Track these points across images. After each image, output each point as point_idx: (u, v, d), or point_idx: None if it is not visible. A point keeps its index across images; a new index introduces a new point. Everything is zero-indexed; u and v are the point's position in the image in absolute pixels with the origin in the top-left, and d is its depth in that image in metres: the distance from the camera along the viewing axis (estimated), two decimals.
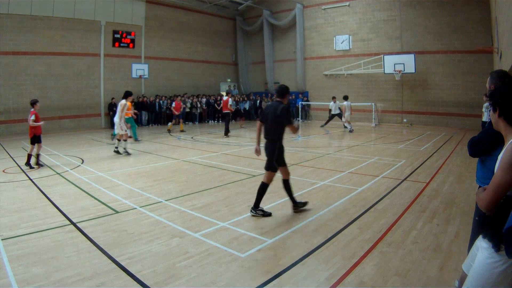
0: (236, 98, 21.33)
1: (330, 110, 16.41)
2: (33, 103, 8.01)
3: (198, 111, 20.15)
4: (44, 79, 15.48)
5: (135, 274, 3.11)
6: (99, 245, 3.72)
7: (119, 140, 9.85)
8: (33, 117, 7.84)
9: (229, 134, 13.74)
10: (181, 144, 11.94)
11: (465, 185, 6.16)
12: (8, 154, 9.89)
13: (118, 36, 18.06)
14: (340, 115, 15.62)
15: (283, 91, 4.69)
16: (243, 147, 11.05)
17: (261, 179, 4.81)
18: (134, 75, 18.01)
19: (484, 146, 2.35)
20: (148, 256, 3.48)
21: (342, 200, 5.35)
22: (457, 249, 3.55)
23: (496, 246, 1.73)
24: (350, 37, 19.21)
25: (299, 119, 20.30)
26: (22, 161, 8.70)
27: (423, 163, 8.13)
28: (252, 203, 4.75)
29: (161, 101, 18.99)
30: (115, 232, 4.11)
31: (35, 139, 7.95)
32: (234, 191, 5.93)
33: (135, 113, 12.07)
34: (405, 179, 6.64)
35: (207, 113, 20.91)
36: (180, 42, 21.13)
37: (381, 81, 18.23)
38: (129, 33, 18.48)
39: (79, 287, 2.92)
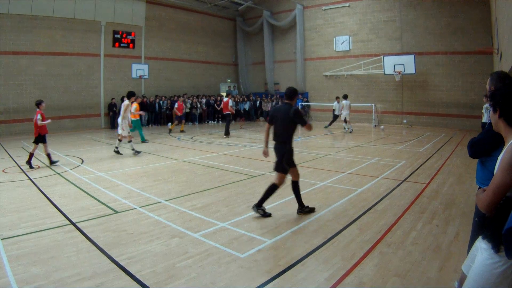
0: (236, 98, 21.33)
1: (333, 111, 16.35)
2: (38, 104, 8.09)
3: (198, 111, 20.15)
4: (44, 79, 15.47)
5: (134, 274, 3.11)
6: (99, 245, 3.72)
7: (120, 140, 9.84)
8: (39, 117, 7.91)
9: (229, 135, 13.76)
10: (181, 144, 11.95)
11: (464, 186, 6.16)
12: (8, 154, 9.88)
13: (118, 36, 18.05)
14: (336, 116, 15.63)
15: (292, 93, 4.73)
16: (243, 147, 11.06)
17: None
18: (134, 76, 18.01)
19: (484, 147, 2.35)
20: (147, 256, 3.48)
21: (342, 200, 5.35)
22: (456, 250, 3.55)
23: (496, 247, 1.73)
24: (350, 38, 19.23)
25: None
26: (22, 161, 8.70)
27: (423, 164, 8.14)
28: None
29: (161, 102, 18.98)
30: (115, 232, 4.11)
31: (40, 139, 8.02)
32: (234, 191, 5.93)
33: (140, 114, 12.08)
34: (405, 180, 6.64)
35: (207, 114, 20.92)
36: (180, 42, 21.13)
37: (381, 82, 18.24)
38: (129, 33, 18.48)
39: (78, 287, 2.92)
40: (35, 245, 3.74)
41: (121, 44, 18.21)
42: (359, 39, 18.90)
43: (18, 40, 14.59)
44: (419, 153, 9.69)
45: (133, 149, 9.65)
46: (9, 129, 14.40)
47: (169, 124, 16.15)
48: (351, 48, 19.27)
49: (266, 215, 4.63)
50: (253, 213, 4.73)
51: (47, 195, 5.66)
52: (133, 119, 11.89)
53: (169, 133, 14.86)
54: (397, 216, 4.62)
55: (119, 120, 9.81)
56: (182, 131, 15.24)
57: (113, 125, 17.18)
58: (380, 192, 5.78)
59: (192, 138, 13.57)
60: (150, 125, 18.63)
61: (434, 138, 12.76)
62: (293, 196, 4.83)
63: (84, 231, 4.13)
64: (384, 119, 18.30)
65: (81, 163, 8.49)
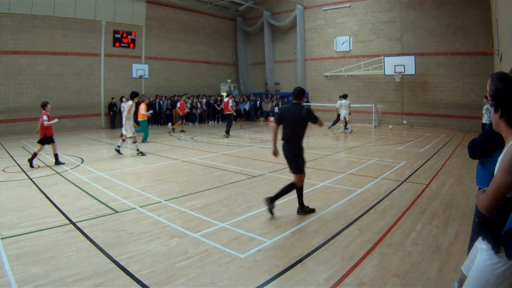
0: (236, 98, 21.34)
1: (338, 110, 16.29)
2: (44, 105, 8.13)
3: (198, 111, 20.15)
4: (44, 79, 15.47)
5: (134, 274, 3.11)
6: (99, 245, 3.72)
7: (123, 140, 9.82)
8: (45, 118, 7.94)
9: (229, 135, 13.77)
10: (181, 144, 11.95)
11: (464, 186, 6.16)
12: (8, 153, 9.89)
13: (118, 36, 18.05)
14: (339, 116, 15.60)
15: (300, 93, 4.76)
16: (243, 147, 11.06)
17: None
18: (134, 75, 18.01)
19: (484, 148, 2.35)
20: (147, 256, 3.48)
21: (342, 201, 5.35)
22: (456, 251, 3.55)
23: (496, 248, 1.73)
24: (351, 38, 19.23)
25: None
26: (22, 160, 8.71)
27: (423, 164, 8.14)
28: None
29: (161, 101, 18.99)
30: (115, 232, 4.11)
31: (45, 140, 8.07)
32: (234, 191, 5.93)
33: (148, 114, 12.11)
34: (404, 180, 6.64)
35: (207, 114, 20.92)
36: (180, 42, 21.13)
37: (381, 82, 18.24)
38: (129, 33, 18.48)
39: (78, 286, 2.91)
40: (35, 244, 3.74)
41: (122, 44, 18.21)
42: (360, 39, 18.90)
43: (19, 39, 14.60)
44: (419, 153, 9.69)
45: (137, 150, 9.61)
46: (9, 128, 14.40)
47: (170, 124, 16.19)
48: (351, 48, 19.27)
49: (271, 212, 4.60)
50: (253, 213, 4.74)
51: (47, 195, 5.66)
52: (141, 120, 11.94)
53: (173, 131, 14.91)
54: (397, 216, 4.62)
55: (123, 120, 9.81)
56: (182, 131, 15.25)
57: (113, 124, 17.20)
58: (380, 193, 5.78)
59: (192, 138, 13.57)
60: (150, 125, 18.58)
61: (434, 139, 12.76)
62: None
63: (84, 230, 4.13)
64: (384, 120, 18.31)
65: (81, 163, 8.49)
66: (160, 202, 5.34)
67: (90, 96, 17.18)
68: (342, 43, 19.56)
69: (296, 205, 4.80)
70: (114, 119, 17.25)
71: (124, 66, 18.08)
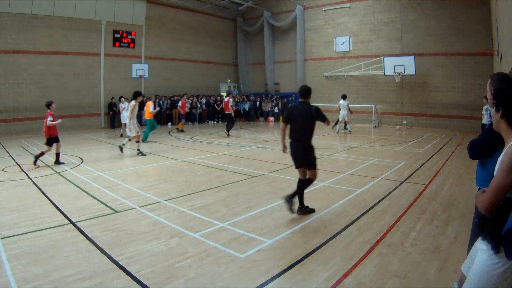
0: (236, 99, 21.34)
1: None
2: (49, 105, 8.13)
3: (198, 111, 20.15)
4: (44, 78, 15.47)
5: (134, 274, 3.11)
6: (98, 245, 3.72)
7: (130, 140, 9.78)
8: (49, 118, 7.94)
9: (229, 134, 13.79)
10: (181, 144, 11.94)
11: (464, 187, 6.16)
12: (8, 153, 9.88)
13: (118, 35, 18.05)
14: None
15: (307, 91, 4.80)
16: (243, 147, 11.06)
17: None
18: (134, 75, 18.00)
19: (484, 148, 2.35)
20: (147, 256, 3.47)
21: (341, 201, 5.35)
22: (456, 251, 3.55)
23: (496, 248, 1.73)
24: (351, 38, 19.24)
25: None
26: (22, 160, 8.71)
27: (422, 165, 8.14)
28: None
29: (161, 101, 18.98)
30: (114, 232, 4.10)
31: (52, 140, 8.09)
32: (233, 191, 5.93)
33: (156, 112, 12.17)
34: (404, 180, 6.64)
35: (207, 114, 20.92)
36: (180, 42, 21.13)
37: (381, 82, 18.25)
38: (129, 33, 18.47)
39: (78, 286, 2.91)
40: (35, 244, 3.73)
41: (122, 44, 18.21)
42: (359, 39, 18.91)
43: (19, 39, 14.59)
44: (419, 154, 9.69)
45: (138, 149, 9.60)
46: (9, 128, 14.40)
47: (169, 124, 16.17)
48: (351, 48, 19.28)
49: (291, 210, 4.61)
50: (252, 213, 4.74)
51: (47, 194, 5.66)
52: (147, 118, 11.98)
53: (178, 131, 15.03)
54: (397, 217, 4.62)
55: (127, 121, 9.79)
56: (182, 131, 15.26)
57: (113, 124, 17.19)
58: (380, 193, 5.78)
59: (192, 138, 13.57)
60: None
61: (434, 139, 12.77)
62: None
63: (84, 230, 4.13)
64: (384, 120, 18.32)
65: (81, 163, 8.49)
66: (160, 202, 5.34)
67: (90, 96, 17.18)
68: (342, 44, 19.57)
69: (296, 205, 4.80)
70: (113, 119, 17.25)
71: (124, 66, 18.08)
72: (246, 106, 22.15)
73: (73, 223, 4.36)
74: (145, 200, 5.44)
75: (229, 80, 24.54)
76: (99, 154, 9.93)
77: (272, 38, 22.93)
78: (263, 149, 10.72)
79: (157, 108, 12.58)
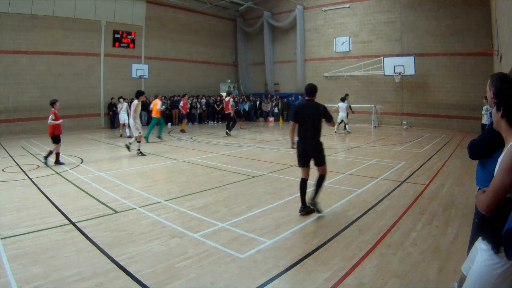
0: (236, 99, 21.35)
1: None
2: (53, 103, 8.18)
3: (198, 111, 20.16)
4: (44, 79, 15.46)
5: (134, 274, 3.10)
6: (98, 245, 3.72)
7: (139, 141, 9.76)
8: (51, 116, 7.96)
9: (229, 134, 13.80)
10: (181, 144, 11.94)
11: (464, 187, 6.17)
12: (8, 153, 9.88)
13: (118, 36, 18.05)
14: (347, 115, 15.55)
15: (313, 89, 4.85)
16: (243, 148, 11.06)
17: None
18: (134, 75, 18.01)
19: (484, 148, 2.35)
20: (147, 256, 3.47)
21: (341, 201, 5.35)
22: (456, 251, 3.55)
23: (496, 248, 1.73)
24: (350, 38, 19.24)
25: None
26: (22, 160, 8.72)
27: (422, 165, 8.14)
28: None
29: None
30: (114, 232, 4.10)
31: (57, 139, 8.13)
32: (233, 191, 5.93)
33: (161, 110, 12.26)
34: (404, 181, 6.64)
35: (207, 114, 20.92)
36: (180, 42, 21.14)
37: (381, 83, 18.25)
38: (129, 33, 18.48)
39: (78, 286, 2.91)
40: (35, 244, 3.73)
41: (121, 44, 18.21)
42: (359, 40, 18.91)
43: (18, 39, 14.59)
44: (418, 154, 9.69)
45: (138, 149, 9.59)
46: (9, 128, 14.39)
47: (169, 124, 16.13)
48: (351, 49, 19.28)
49: (318, 210, 4.69)
50: (252, 213, 4.74)
51: (47, 195, 5.66)
52: (154, 116, 12.03)
53: (183, 132, 15.05)
54: (397, 217, 4.62)
55: (131, 120, 9.73)
56: (182, 131, 15.26)
57: (113, 125, 17.18)
58: (380, 193, 5.78)
59: (192, 138, 13.57)
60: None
61: (434, 140, 12.77)
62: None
63: (84, 230, 4.13)
64: (384, 120, 18.32)
65: (81, 163, 8.49)
66: (160, 202, 5.34)
67: (90, 96, 17.18)
68: (342, 44, 19.57)
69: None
70: (113, 119, 17.24)
71: (124, 66, 18.08)
72: (246, 106, 22.15)
73: (73, 224, 4.36)
74: (145, 200, 5.43)
75: (229, 80, 24.54)
76: (99, 154, 9.93)
77: (272, 38, 22.93)
78: (263, 149, 10.72)
79: (163, 107, 12.64)
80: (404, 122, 17.54)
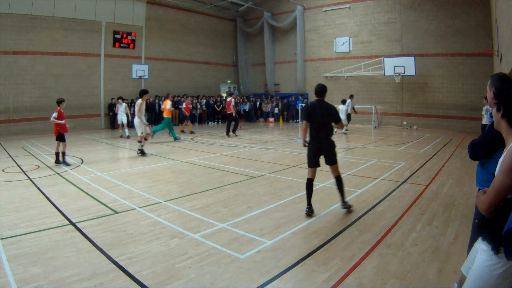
0: (236, 99, 21.34)
1: (346, 110, 16.21)
2: (59, 102, 8.27)
3: (198, 112, 20.16)
4: (44, 79, 15.47)
5: (134, 275, 3.10)
6: (98, 245, 3.72)
7: (146, 139, 9.73)
8: (54, 114, 8.01)
9: (229, 134, 13.81)
10: (181, 145, 11.94)
11: (464, 187, 6.16)
12: (8, 153, 9.88)
13: (118, 36, 18.06)
14: (347, 117, 15.54)
15: (323, 90, 4.89)
16: (243, 148, 11.06)
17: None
18: (134, 76, 18.02)
19: (484, 149, 2.35)
20: (147, 257, 3.47)
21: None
22: (456, 252, 3.55)
23: (495, 249, 1.73)
24: (351, 39, 19.25)
25: (298, 120, 20.33)
26: (22, 160, 8.72)
27: (422, 165, 8.14)
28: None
29: (161, 102, 18.97)
30: (115, 233, 4.10)
31: (62, 136, 8.16)
32: (233, 192, 5.93)
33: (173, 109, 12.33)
34: (404, 181, 6.64)
35: (207, 114, 20.92)
36: (180, 43, 21.14)
37: (381, 83, 18.26)
38: (129, 34, 18.49)
39: (78, 287, 2.91)
40: (35, 245, 3.73)
41: (122, 45, 18.22)
42: (359, 40, 18.92)
43: (19, 39, 14.59)
44: (419, 154, 9.69)
45: (138, 150, 9.59)
46: (8, 128, 14.39)
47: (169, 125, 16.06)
48: (351, 49, 19.29)
49: (349, 209, 4.83)
50: (252, 214, 4.74)
51: (47, 195, 5.66)
52: (166, 116, 12.04)
53: (187, 132, 15.10)
54: (397, 217, 4.62)
55: (135, 120, 9.66)
56: (182, 131, 15.28)
57: (113, 125, 17.18)
58: (380, 194, 5.78)
59: (192, 139, 13.57)
60: (150, 125, 18.59)
61: (434, 140, 12.77)
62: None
63: (84, 231, 4.13)
64: (384, 121, 18.32)
65: (81, 163, 8.49)
66: (160, 202, 5.34)
67: (90, 96, 17.18)
68: (342, 44, 19.58)
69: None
70: (114, 119, 17.24)
71: (124, 67, 18.09)
72: (246, 107, 22.15)
73: (73, 224, 4.36)
74: (145, 200, 5.43)
75: (229, 81, 24.55)
76: (99, 154, 9.93)
77: (272, 39, 22.94)
78: (263, 149, 10.72)
79: (172, 108, 12.71)
80: (404, 122, 17.53)
